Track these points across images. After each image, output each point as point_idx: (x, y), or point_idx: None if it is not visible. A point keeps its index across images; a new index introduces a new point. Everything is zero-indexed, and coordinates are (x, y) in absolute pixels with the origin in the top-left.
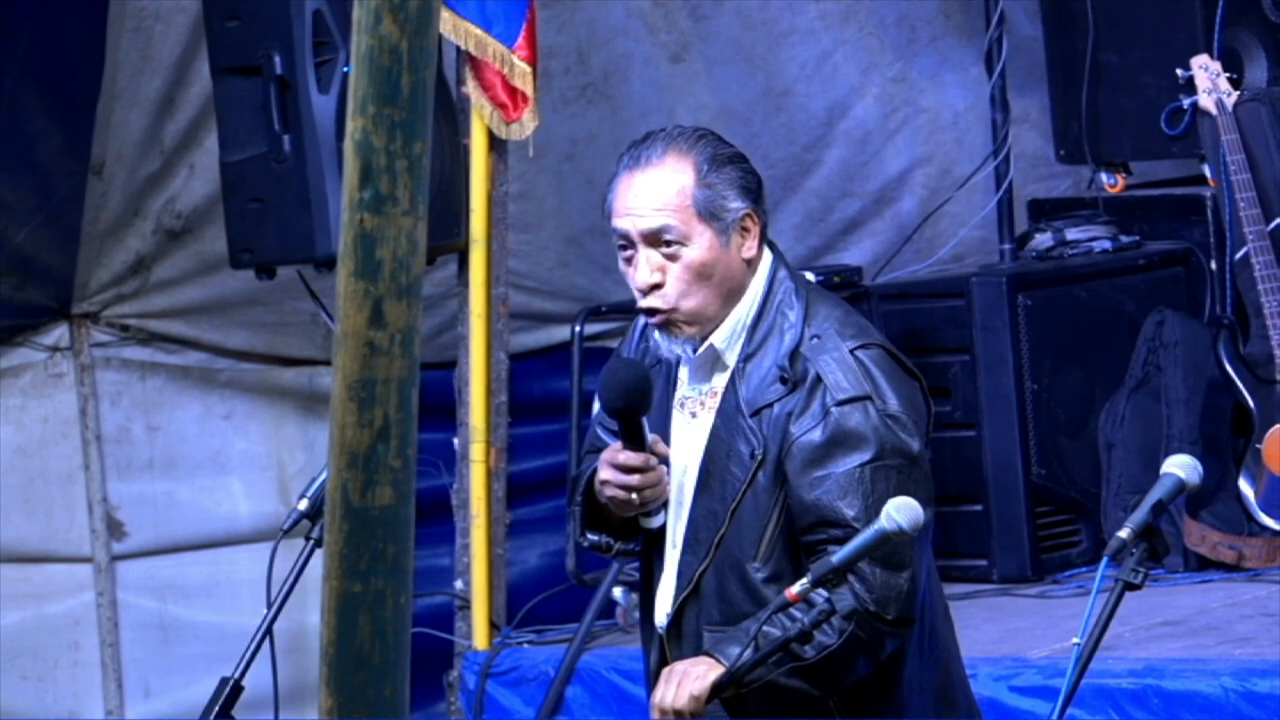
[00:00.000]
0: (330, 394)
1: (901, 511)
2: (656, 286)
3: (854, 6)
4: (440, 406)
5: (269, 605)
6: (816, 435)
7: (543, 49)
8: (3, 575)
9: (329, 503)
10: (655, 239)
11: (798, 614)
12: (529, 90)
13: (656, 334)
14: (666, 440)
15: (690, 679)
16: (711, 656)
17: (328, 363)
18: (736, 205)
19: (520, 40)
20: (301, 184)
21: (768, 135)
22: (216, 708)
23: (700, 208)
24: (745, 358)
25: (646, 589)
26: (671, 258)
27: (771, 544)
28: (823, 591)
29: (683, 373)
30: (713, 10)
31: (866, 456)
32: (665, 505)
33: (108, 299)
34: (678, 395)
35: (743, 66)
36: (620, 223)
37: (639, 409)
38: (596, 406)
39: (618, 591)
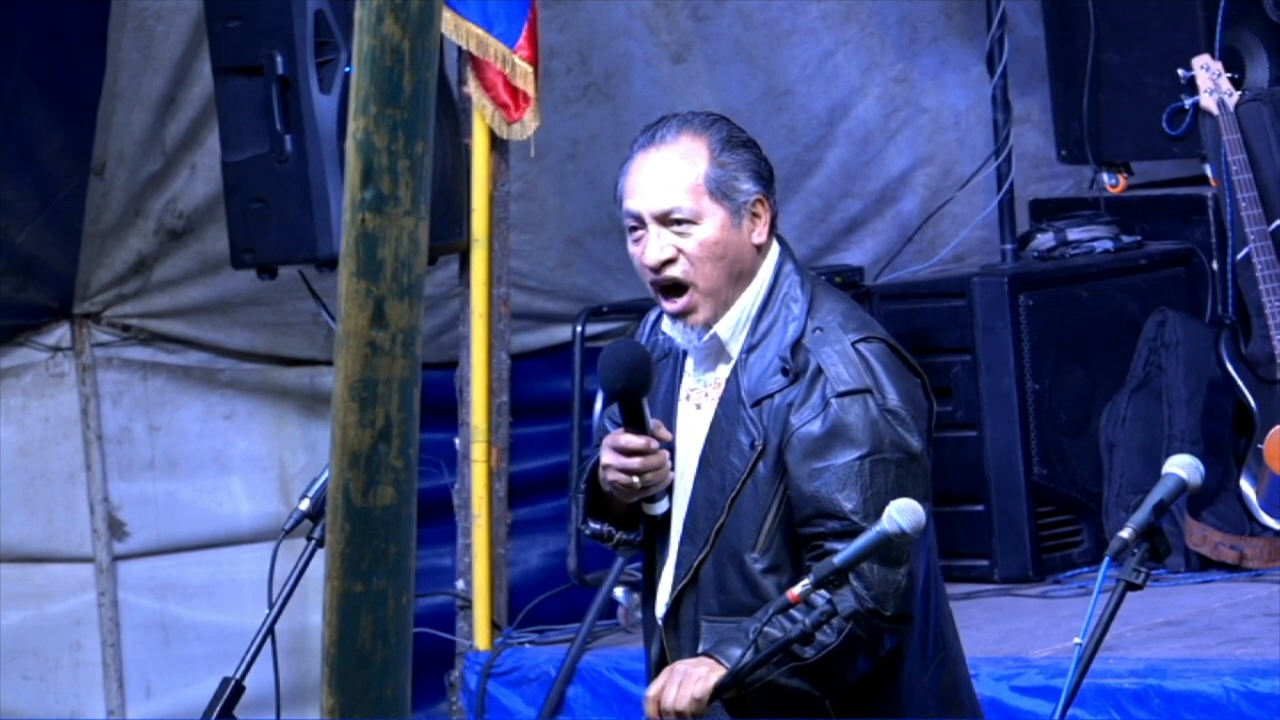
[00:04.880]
0: (332, 394)
1: (903, 514)
2: (668, 263)
3: (855, 6)
4: (442, 406)
5: (270, 605)
6: (816, 427)
7: (544, 49)
8: (4, 575)
9: (331, 503)
10: (666, 219)
11: (798, 615)
12: (530, 90)
13: (665, 321)
14: (672, 430)
15: (692, 680)
16: (713, 658)
17: (329, 363)
18: (749, 188)
19: (522, 40)
20: (303, 184)
21: (769, 135)
22: (218, 708)
23: (712, 187)
24: (748, 349)
25: (649, 579)
26: (682, 236)
27: (770, 535)
28: (824, 593)
29: (689, 364)
30: (714, 10)
31: (865, 450)
32: (669, 491)
33: (109, 299)
34: (684, 387)
35: (744, 66)
36: (632, 203)
37: (639, 389)
38: (599, 404)
39: (619, 591)
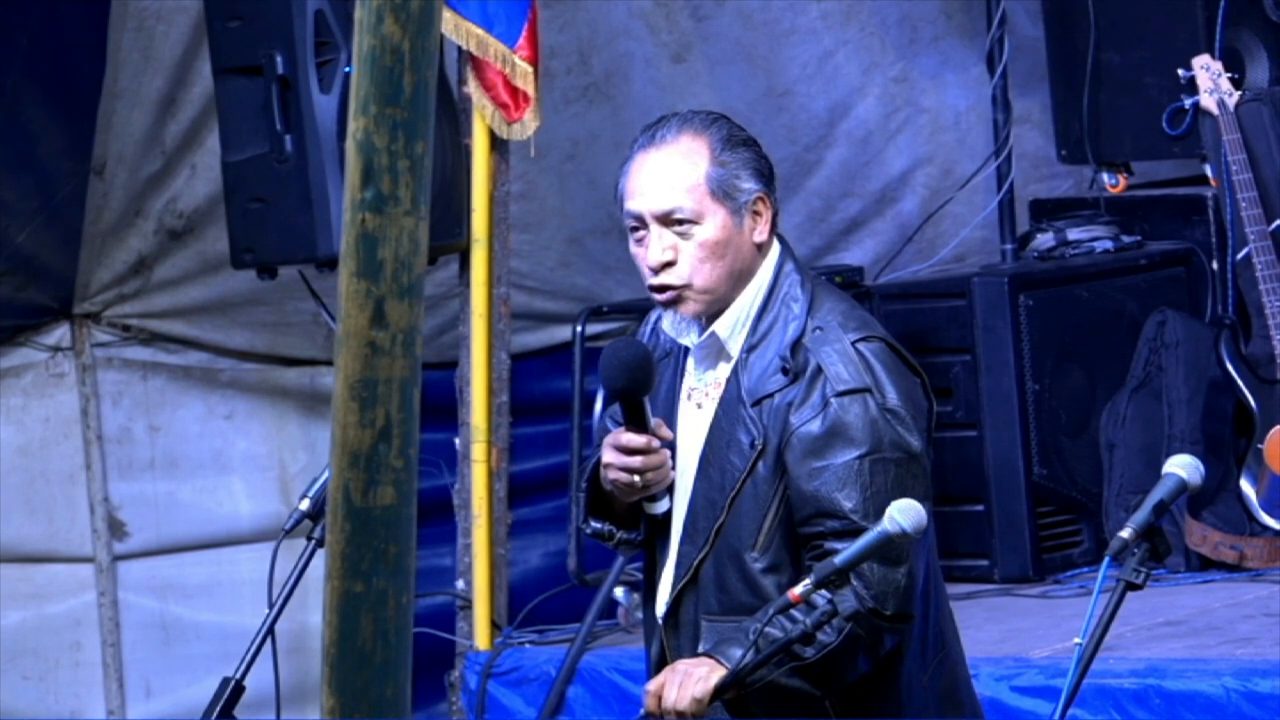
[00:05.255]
0: (332, 394)
1: (905, 514)
2: (668, 265)
3: (855, 6)
4: (442, 406)
5: (270, 605)
6: (815, 426)
7: (544, 49)
8: (4, 575)
9: (331, 503)
10: (667, 219)
11: (799, 615)
12: (530, 90)
13: (665, 319)
14: (674, 430)
15: (692, 680)
16: (713, 658)
17: (329, 363)
18: (750, 186)
19: (522, 40)
20: (303, 184)
21: (769, 135)
22: (218, 708)
23: (713, 186)
24: (749, 348)
25: (649, 578)
26: (683, 236)
27: (770, 534)
28: (825, 593)
29: (690, 363)
30: (714, 10)
31: (865, 449)
32: (670, 490)
33: (109, 299)
34: (685, 386)
35: (744, 66)
36: (633, 204)
37: (640, 388)
38: (599, 404)
39: (619, 591)
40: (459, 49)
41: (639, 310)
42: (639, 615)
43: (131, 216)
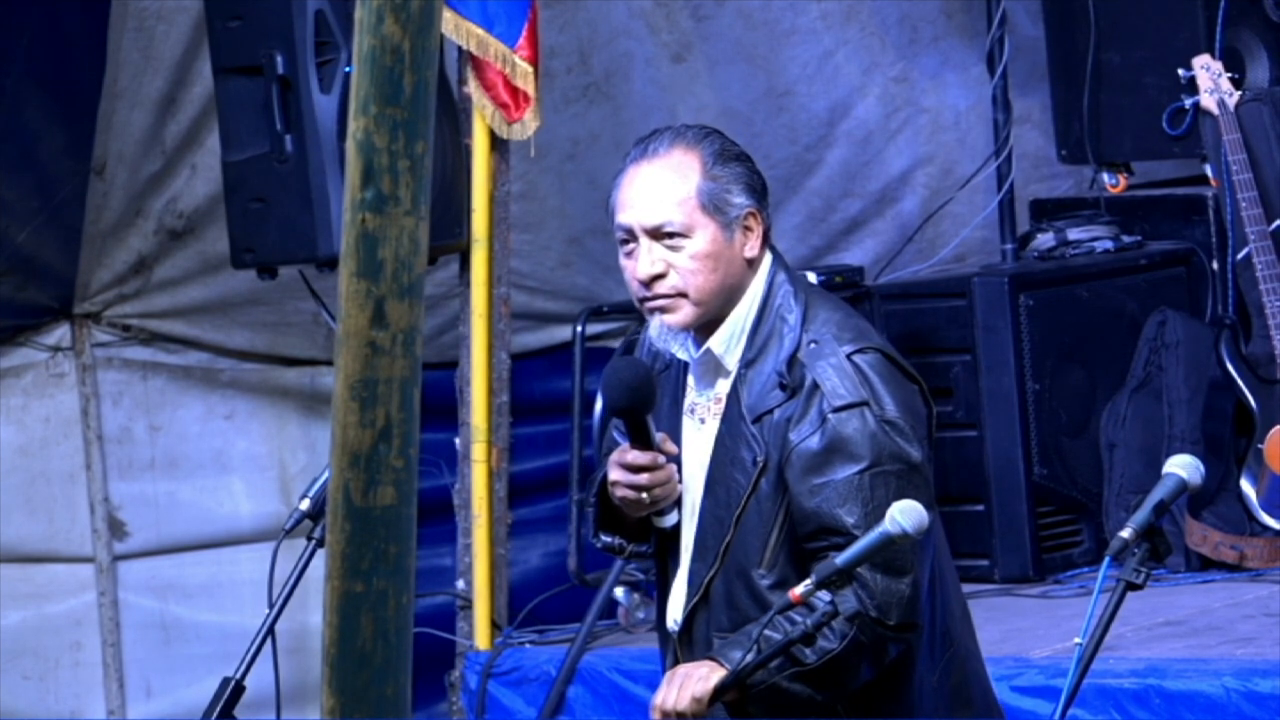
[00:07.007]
0: (332, 394)
1: (906, 515)
2: (657, 278)
3: (856, 6)
4: (442, 406)
5: (271, 605)
6: (814, 442)
7: (544, 49)
8: (4, 575)
9: (331, 503)
10: (657, 233)
11: (799, 617)
12: (531, 90)
13: (652, 326)
14: (678, 444)
15: (692, 681)
16: (714, 660)
17: (329, 363)
18: (741, 201)
19: (522, 40)
20: (303, 184)
21: (769, 135)
22: (218, 708)
23: (704, 200)
24: (746, 363)
25: (661, 592)
26: (673, 249)
27: (776, 551)
28: (825, 594)
29: (691, 379)
30: (714, 10)
31: (865, 464)
32: (678, 504)
33: (109, 299)
34: (687, 401)
35: (744, 66)
36: (623, 217)
37: (643, 407)
38: (599, 404)
39: (619, 591)
40: (459, 49)
41: (639, 311)
42: (639, 615)
43: (131, 216)
